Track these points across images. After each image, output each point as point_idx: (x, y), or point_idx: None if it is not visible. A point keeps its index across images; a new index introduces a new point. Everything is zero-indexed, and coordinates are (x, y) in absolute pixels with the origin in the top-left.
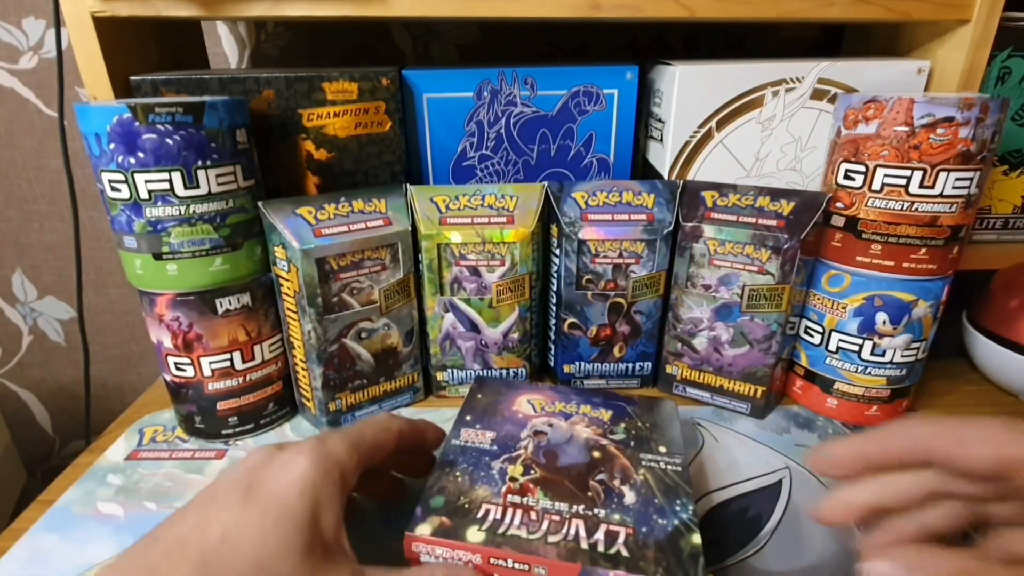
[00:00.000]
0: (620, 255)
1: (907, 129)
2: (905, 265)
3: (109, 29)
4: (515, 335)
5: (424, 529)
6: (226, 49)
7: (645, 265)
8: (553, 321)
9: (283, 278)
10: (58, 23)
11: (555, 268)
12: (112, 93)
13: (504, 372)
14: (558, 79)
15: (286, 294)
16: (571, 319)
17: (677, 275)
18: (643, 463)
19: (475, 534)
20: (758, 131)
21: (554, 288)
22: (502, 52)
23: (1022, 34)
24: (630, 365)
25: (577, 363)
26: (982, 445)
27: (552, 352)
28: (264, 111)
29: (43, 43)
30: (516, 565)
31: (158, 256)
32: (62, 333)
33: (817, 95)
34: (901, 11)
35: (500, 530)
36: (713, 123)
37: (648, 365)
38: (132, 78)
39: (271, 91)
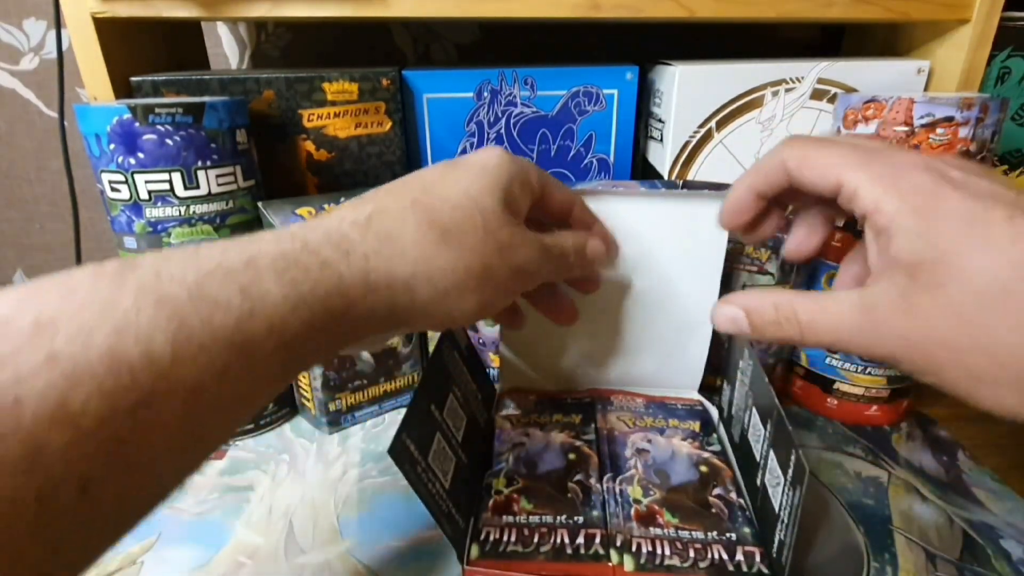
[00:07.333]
0: None
1: (907, 129)
2: None
3: (109, 30)
4: None
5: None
6: (226, 50)
7: None
8: None
9: None
10: (59, 24)
11: None
12: (112, 94)
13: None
14: (558, 79)
15: None
16: None
17: None
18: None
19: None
20: (758, 131)
21: None
22: (502, 52)
23: (1022, 34)
24: None
25: None
26: (820, 169)
27: None
28: (264, 111)
29: (44, 44)
30: None
31: None
32: None
33: (817, 95)
34: (901, 11)
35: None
36: (713, 123)
37: None
38: (132, 79)
39: (271, 91)
